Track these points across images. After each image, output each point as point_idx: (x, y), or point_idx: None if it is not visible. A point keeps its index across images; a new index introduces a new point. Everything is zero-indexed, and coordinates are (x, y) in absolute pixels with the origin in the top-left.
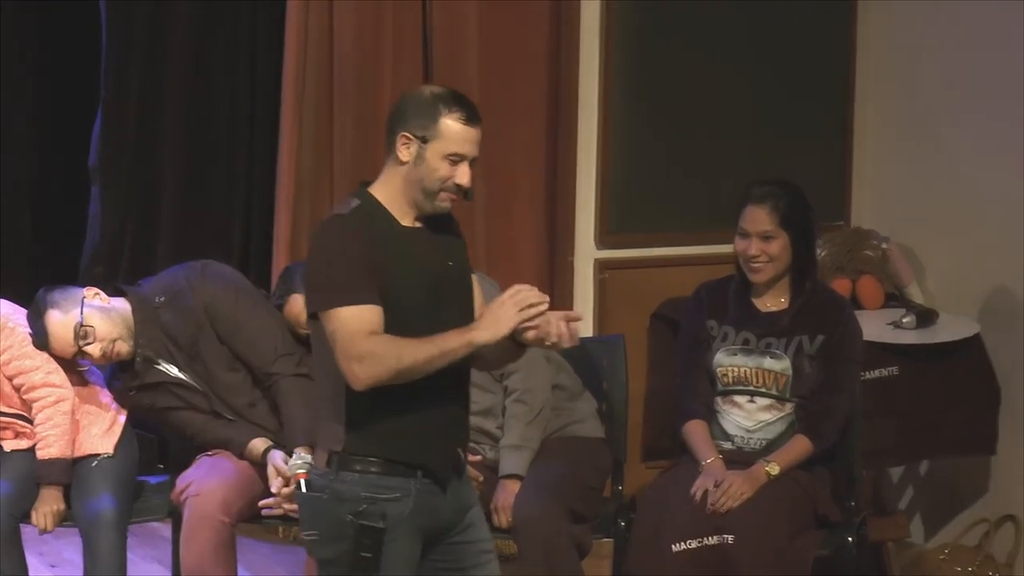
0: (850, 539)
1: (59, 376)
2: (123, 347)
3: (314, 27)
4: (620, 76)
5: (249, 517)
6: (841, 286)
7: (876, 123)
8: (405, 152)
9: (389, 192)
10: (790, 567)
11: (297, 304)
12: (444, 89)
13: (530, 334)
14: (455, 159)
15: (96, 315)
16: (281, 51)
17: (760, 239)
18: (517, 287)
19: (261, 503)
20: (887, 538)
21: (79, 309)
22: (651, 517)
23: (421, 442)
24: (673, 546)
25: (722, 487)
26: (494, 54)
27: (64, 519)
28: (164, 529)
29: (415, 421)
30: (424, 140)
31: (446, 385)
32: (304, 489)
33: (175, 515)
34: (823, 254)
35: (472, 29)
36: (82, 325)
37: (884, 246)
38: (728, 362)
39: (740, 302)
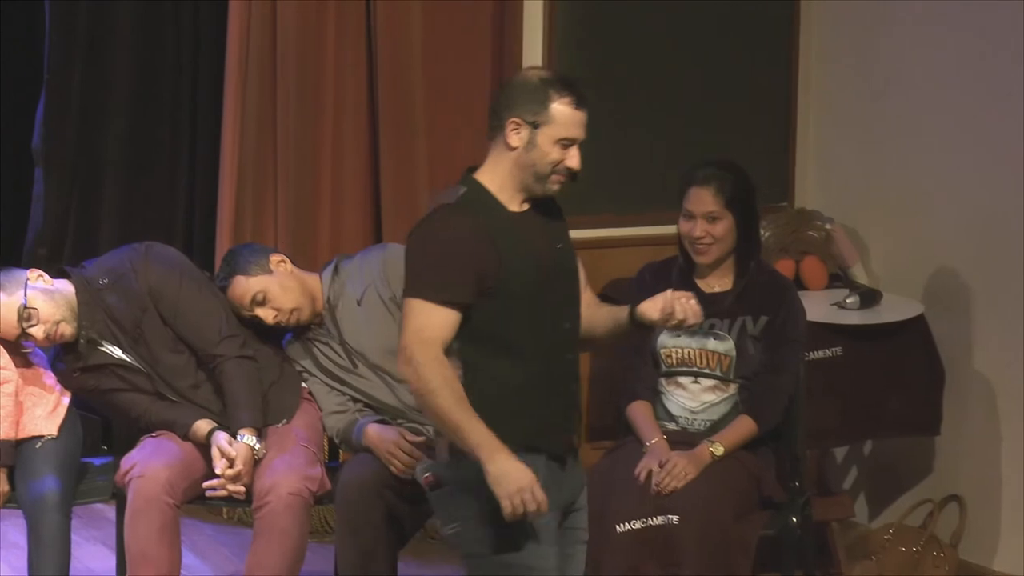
0: (794, 519)
1: (2, 358)
2: (67, 329)
3: (257, 17)
4: (564, 58)
5: (193, 498)
6: (785, 267)
7: (820, 104)
8: (515, 138)
9: (498, 178)
10: (734, 547)
11: (240, 286)
12: (551, 73)
13: (656, 315)
14: (566, 143)
15: (40, 297)
16: (226, 32)
17: (705, 220)
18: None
19: (205, 484)
20: (831, 518)
21: (23, 291)
22: (596, 498)
23: (540, 424)
24: (618, 526)
25: (666, 468)
26: (437, 49)
27: (8, 501)
28: (108, 511)
29: (533, 404)
30: (535, 125)
31: (562, 370)
32: (432, 488)
33: (119, 497)
34: (767, 235)
35: (416, 25)
36: (26, 307)
37: (828, 227)
38: (672, 343)
39: (684, 283)
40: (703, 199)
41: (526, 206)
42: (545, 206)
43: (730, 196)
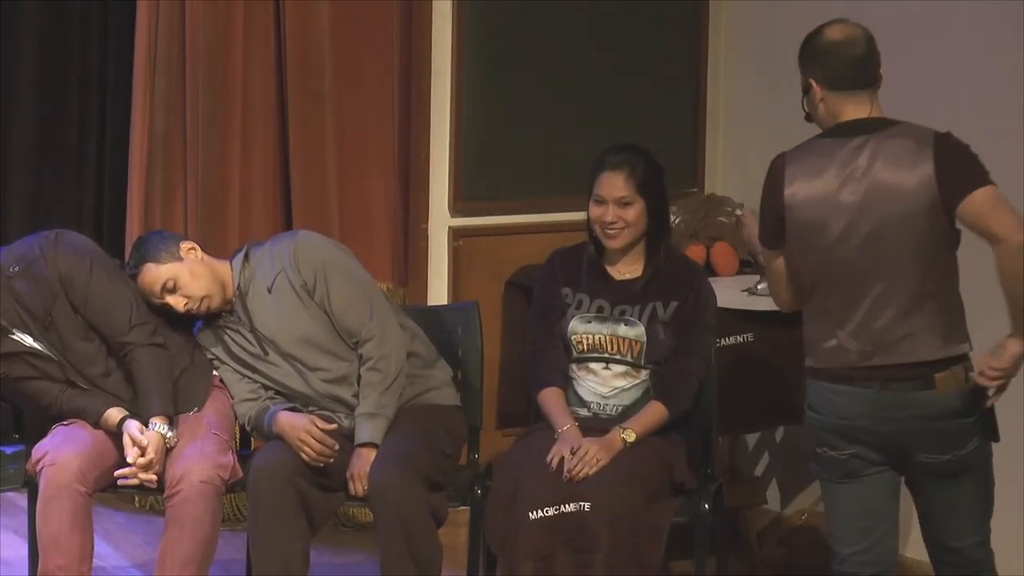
0: (706, 505)
1: None
2: None
3: (166, 4)
4: (473, 45)
5: (105, 486)
6: (695, 253)
7: (729, 89)
8: None
9: None
10: (646, 533)
11: (150, 273)
12: None
13: None
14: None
15: None
16: (134, 24)
17: (617, 205)
18: None
19: (117, 472)
20: (743, 504)
21: None
22: (507, 485)
23: None
24: (530, 514)
25: (578, 454)
26: (346, 40)
27: None
28: (20, 499)
29: None
30: None
31: None
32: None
33: (31, 485)
34: (677, 221)
35: (325, 17)
36: None
37: (738, 212)
38: (583, 329)
39: (594, 269)
40: (615, 184)
41: None
42: None
43: (641, 181)
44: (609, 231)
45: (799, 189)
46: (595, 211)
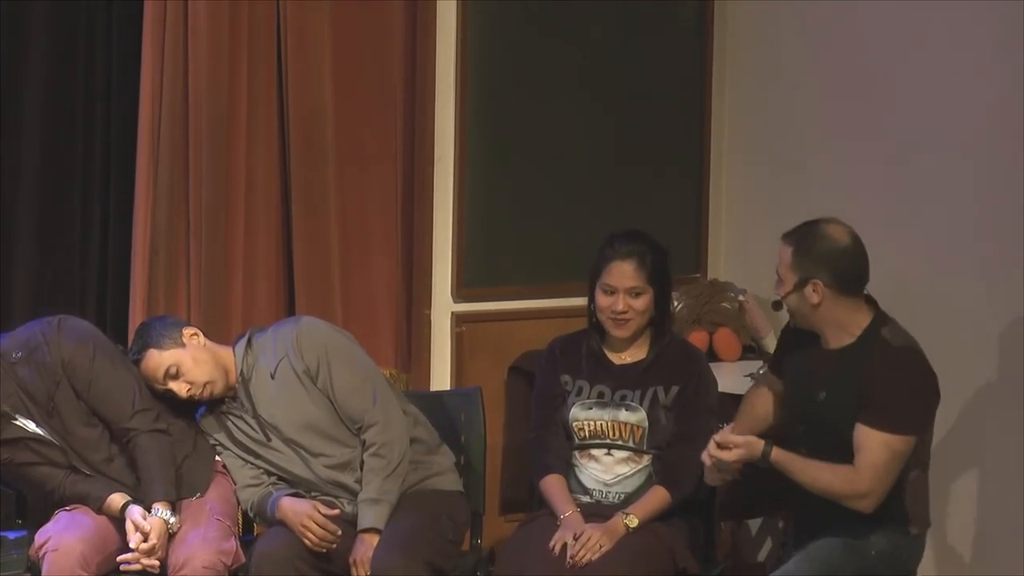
0: None
1: None
2: None
3: (168, 90)
4: (476, 130)
5: (108, 572)
6: (698, 338)
7: (731, 176)
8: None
9: None
10: None
11: (153, 359)
12: None
13: None
14: None
15: None
16: (136, 104)
17: (628, 295)
18: None
19: (120, 558)
20: None
21: None
22: (510, 570)
23: None
24: None
25: (580, 540)
26: (349, 103)
27: None
28: None
29: None
30: None
31: None
32: None
33: (34, 570)
34: (680, 306)
35: (327, 87)
36: None
37: (740, 298)
38: (584, 416)
39: (594, 356)
40: (625, 274)
41: None
42: None
43: (651, 270)
44: (619, 320)
45: None
46: (605, 300)
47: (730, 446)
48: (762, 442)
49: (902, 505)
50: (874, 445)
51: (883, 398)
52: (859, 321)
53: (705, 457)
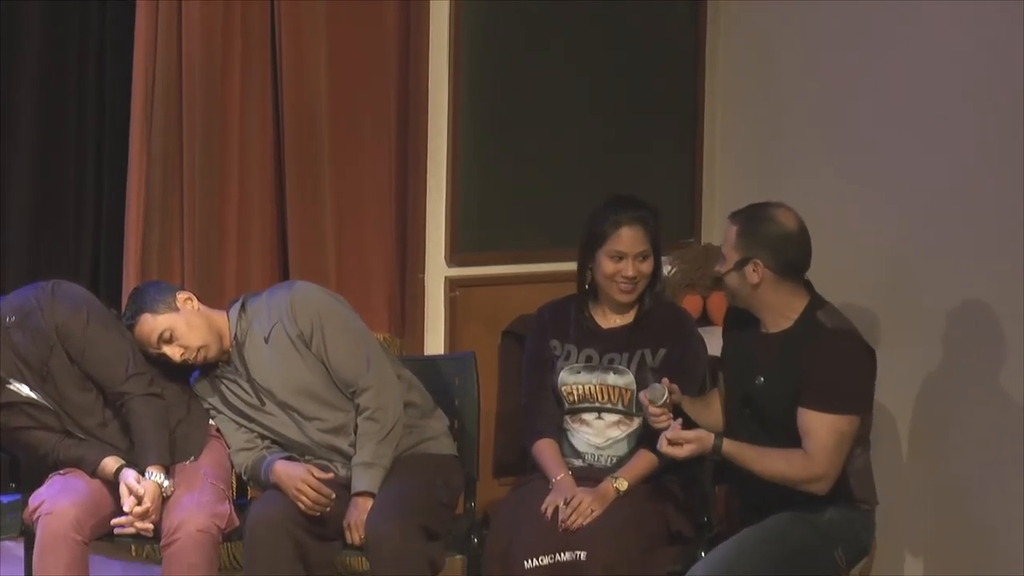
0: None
1: None
2: None
3: (162, 54)
4: (469, 97)
5: (102, 535)
6: (692, 303)
7: (724, 140)
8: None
9: None
10: None
11: (147, 324)
12: None
13: None
14: None
15: None
16: (128, 55)
17: (637, 260)
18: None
19: (113, 521)
20: None
21: None
22: (504, 534)
23: None
24: (526, 562)
25: (571, 504)
26: (344, 74)
27: None
28: (17, 548)
29: None
30: None
31: None
32: None
33: (28, 534)
34: (674, 271)
35: (322, 55)
36: None
37: None
38: (572, 380)
39: (582, 320)
40: (636, 239)
41: None
42: None
43: (654, 234)
44: (625, 285)
45: None
46: (613, 266)
47: (681, 442)
48: (712, 436)
49: (848, 487)
50: (821, 428)
51: (824, 380)
52: (796, 305)
53: (661, 448)
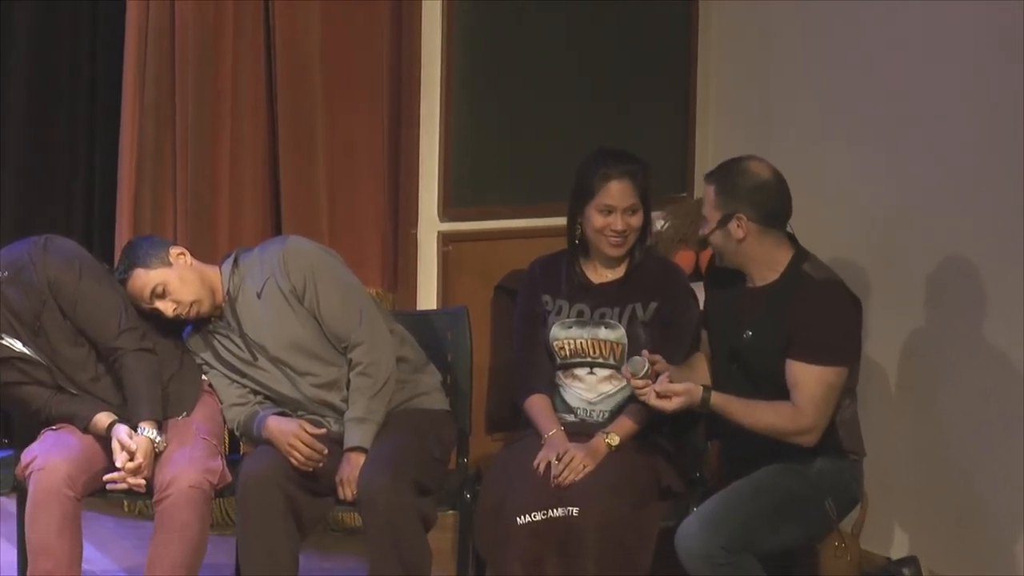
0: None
1: None
2: None
3: (156, 10)
4: (462, 51)
5: (94, 491)
6: (685, 258)
7: (718, 92)
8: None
9: None
10: (634, 538)
11: (140, 279)
12: None
13: None
14: None
15: None
16: (123, 27)
17: (626, 213)
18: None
19: (106, 477)
20: None
21: None
22: (496, 490)
23: None
24: (518, 518)
25: (563, 460)
26: (336, 42)
27: None
28: (9, 504)
29: None
30: None
31: None
32: None
33: (20, 490)
34: (666, 226)
35: (315, 19)
36: None
37: None
38: (564, 335)
39: (573, 275)
40: (626, 192)
41: None
42: None
43: (643, 188)
44: (615, 239)
45: None
46: (602, 220)
47: (670, 395)
48: (700, 389)
49: (837, 438)
50: (809, 380)
51: (812, 332)
52: (781, 257)
53: (650, 401)
